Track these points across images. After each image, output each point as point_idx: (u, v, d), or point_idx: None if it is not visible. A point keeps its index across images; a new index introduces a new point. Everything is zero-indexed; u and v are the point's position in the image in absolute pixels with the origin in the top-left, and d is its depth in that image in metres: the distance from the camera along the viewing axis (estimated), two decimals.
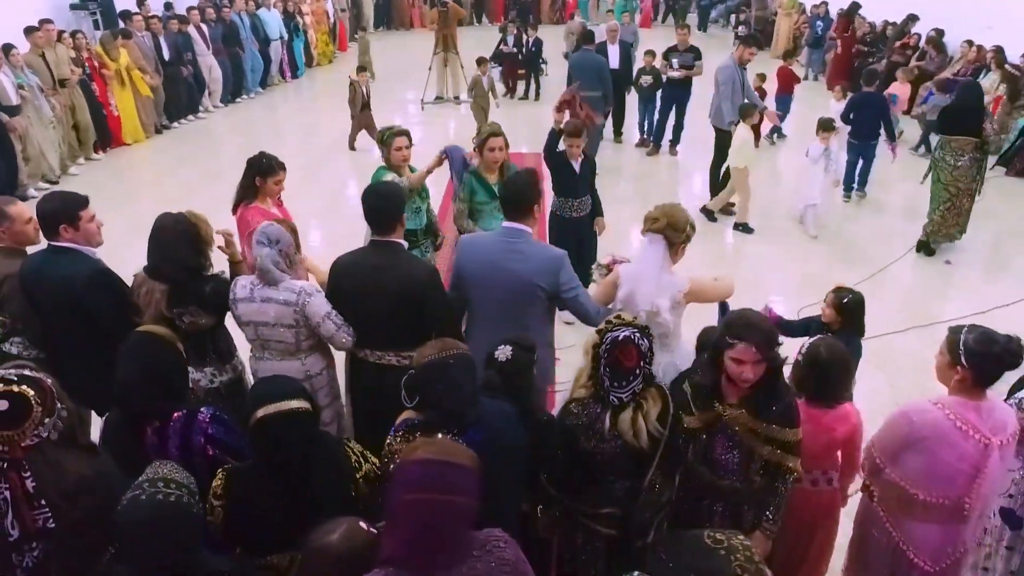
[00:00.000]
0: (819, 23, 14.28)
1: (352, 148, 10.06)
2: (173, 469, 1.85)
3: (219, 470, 2.15)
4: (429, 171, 4.58)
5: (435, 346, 2.28)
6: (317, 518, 2.04)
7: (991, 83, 9.94)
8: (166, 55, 10.66)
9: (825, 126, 6.98)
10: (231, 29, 12.23)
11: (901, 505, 2.45)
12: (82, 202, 3.04)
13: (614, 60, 9.53)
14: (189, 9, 11.84)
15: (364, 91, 9.82)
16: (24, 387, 1.87)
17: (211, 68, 11.75)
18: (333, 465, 2.15)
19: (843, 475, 2.75)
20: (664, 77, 9.46)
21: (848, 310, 3.30)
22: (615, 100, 9.74)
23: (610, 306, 3.19)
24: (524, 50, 13.03)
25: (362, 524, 1.76)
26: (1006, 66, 9.71)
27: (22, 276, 3.01)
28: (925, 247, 6.74)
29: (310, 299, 2.94)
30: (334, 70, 15.60)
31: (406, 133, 4.55)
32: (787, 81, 10.63)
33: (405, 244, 3.13)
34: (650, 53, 9.73)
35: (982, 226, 7.15)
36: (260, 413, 2.03)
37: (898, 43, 11.96)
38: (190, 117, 11.48)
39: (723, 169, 7.52)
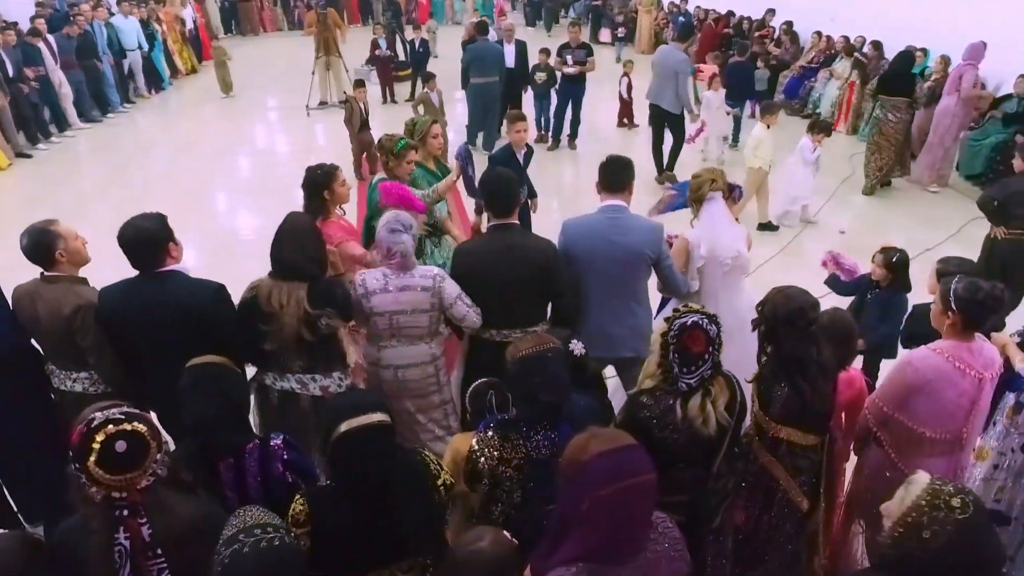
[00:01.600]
0: (680, 18, 15.18)
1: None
2: (260, 512, 1.71)
3: (297, 495, 2.01)
4: (455, 180, 4.50)
5: (531, 340, 2.28)
6: (401, 532, 1.98)
7: (843, 68, 11.04)
8: (10, 71, 9.54)
9: (820, 127, 7.21)
10: (86, 40, 11.17)
11: (912, 445, 2.69)
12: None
13: (510, 59, 9.68)
14: (34, 18, 10.72)
15: (363, 108, 8.71)
16: (136, 424, 1.71)
17: (60, 84, 10.56)
18: (413, 476, 2.08)
19: (847, 435, 2.92)
20: (559, 74, 9.71)
21: (896, 267, 3.67)
22: (513, 98, 9.95)
23: (690, 268, 3.48)
24: (411, 51, 12.89)
25: (505, 533, 1.74)
26: (856, 54, 10.79)
27: (123, 307, 2.76)
28: (872, 190, 8.17)
29: (444, 283, 3.03)
30: (198, 80, 14.73)
31: (436, 122, 4.68)
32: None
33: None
34: (544, 51, 9.93)
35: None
36: (344, 428, 1.92)
37: (758, 34, 12.97)
38: (53, 139, 10.40)
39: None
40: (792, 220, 7.51)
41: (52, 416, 3.06)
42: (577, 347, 2.59)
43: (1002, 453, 2.99)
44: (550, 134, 10.14)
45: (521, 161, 5.47)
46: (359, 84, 9.00)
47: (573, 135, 10.07)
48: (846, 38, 11.39)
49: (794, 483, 2.58)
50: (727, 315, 3.42)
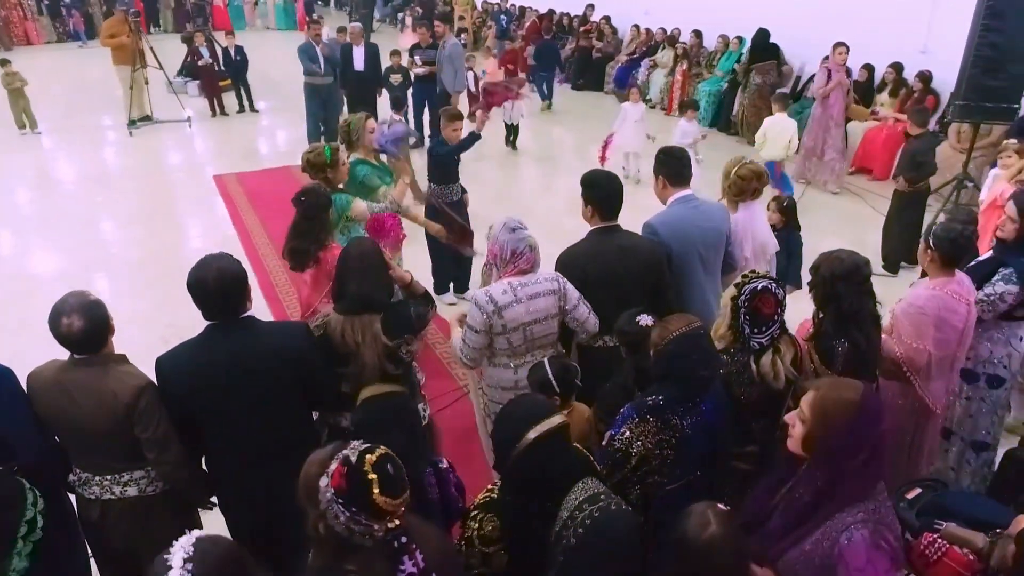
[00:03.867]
0: (503, 17, 15.60)
1: None
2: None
3: (476, 513, 1.89)
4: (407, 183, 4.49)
5: (677, 321, 2.25)
6: None
7: (667, 58, 11.98)
8: None
9: (688, 106, 8.13)
10: None
11: (929, 373, 3.03)
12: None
13: (359, 62, 9.34)
14: None
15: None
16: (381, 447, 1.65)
17: None
18: (586, 473, 1.98)
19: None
20: (412, 75, 9.56)
21: (787, 211, 4.38)
22: (367, 101, 9.63)
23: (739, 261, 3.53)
24: (226, 59, 11.91)
25: (719, 504, 1.71)
26: (677, 45, 11.76)
27: (202, 371, 2.32)
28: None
29: (566, 284, 2.90)
30: None
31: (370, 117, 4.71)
32: (516, 65, 11.55)
33: None
34: (396, 53, 9.70)
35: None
36: (532, 435, 1.83)
37: (582, 28, 13.68)
38: None
39: None
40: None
41: (73, 536, 2.49)
42: (644, 319, 2.60)
43: None
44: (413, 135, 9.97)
45: (456, 156, 5.41)
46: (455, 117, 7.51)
47: (434, 134, 9.94)
48: (663, 30, 12.40)
49: None
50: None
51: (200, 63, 11.81)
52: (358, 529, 1.55)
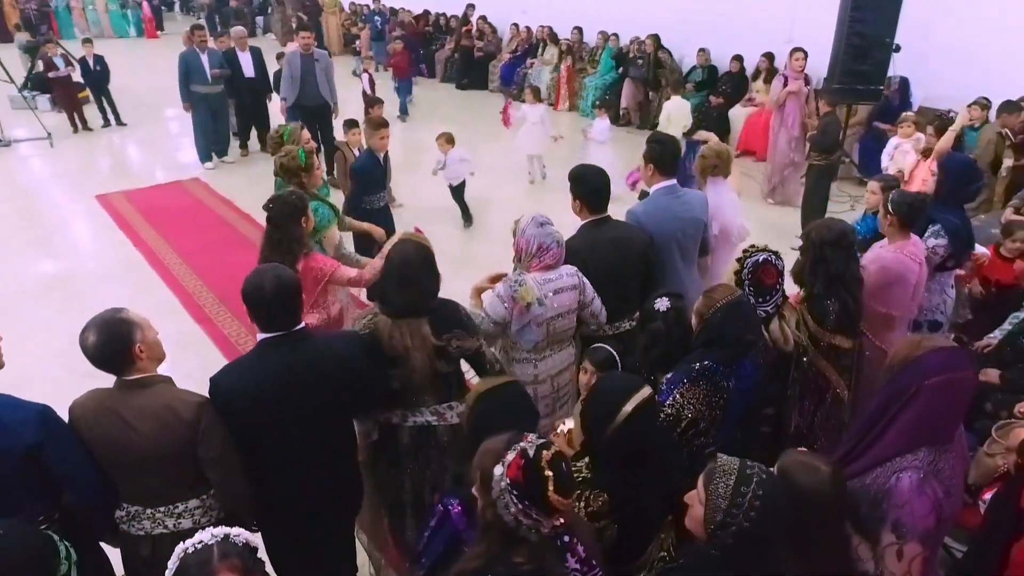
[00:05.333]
0: (377, 18, 15.34)
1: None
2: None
3: (579, 493, 1.92)
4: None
5: (720, 291, 2.40)
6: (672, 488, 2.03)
7: (550, 55, 12.33)
8: None
9: (601, 104, 8.13)
10: None
11: (883, 326, 3.38)
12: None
13: (248, 68, 8.91)
14: None
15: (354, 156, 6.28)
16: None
17: None
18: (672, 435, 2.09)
19: None
20: None
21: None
22: (258, 108, 9.22)
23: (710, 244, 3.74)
24: (86, 70, 10.89)
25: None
26: (561, 41, 12.13)
27: (263, 384, 2.23)
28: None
29: (584, 279, 2.96)
30: None
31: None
32: (403, 67, 11.43)
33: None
34: (281, 57, 9.30)
35: None
36: (630, 407, 1.89)
37: (464, 28, 13.75)
38: None
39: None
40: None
41: None
42: (662, 303, 2.74)
43: None
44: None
45: (382, 163, 5.42)
46: (351, 124, 6.42)
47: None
48: (543, 28, 12.74)
49: (842, 380, 3.08)
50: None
51: (53, 75, 10.71)
52: (526, 522, 1.56)
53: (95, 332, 2.10)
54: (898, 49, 7.00)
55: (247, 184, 8.69)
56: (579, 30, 12.09)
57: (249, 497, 2.31)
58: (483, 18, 13.98)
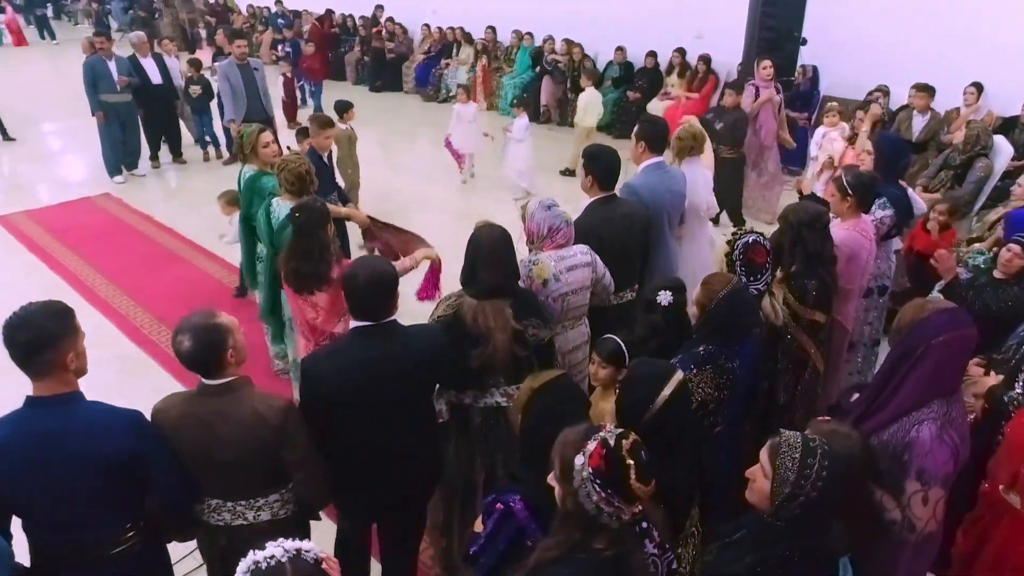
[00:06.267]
0: (280, 21, 14.86)
1: None
2: None
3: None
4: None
5: (718, 280, 2.50)
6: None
7: (466, 55, 12.35)
8: None
9: (520, 103, 8.10)
10: None
11: (844, 301, 3.61)
12: None
13: (155, 75, 8.44)
14: None
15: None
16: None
17: None
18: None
19: None
20: (215, 85, 8.83)
21: None
22: (167, 116, 8.78)
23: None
24: None
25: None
26: (477, 41, 12.16)
27: (355, 376, 2.28)
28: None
29: (595, 255, 3.06)
30: None
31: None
32: (317, 69, 11.16)
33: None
34: (193, 62, 8.87)
35: None
36: (668, 391, 1.98)
37: (374, 30, 13.52)
38: None
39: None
40: (520, 192, 8.30)
41: None
42: (664, 297, 2.83)
43: None
44: (223, 148, 9.24)
45: (327, 163, 5.28)
46: (304, 134, 5.90)
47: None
48: (454, 28, 12.74)
49: (819, 353, 3.28)
50: (694, 259, 4.14)
51: None
52: (608, 510, 1.59)
53: (190, 338, 2.07)
54: (805, 42, 7.48)
55: (164, 197, 8.27)
56: (493, 29, 12.17)
57: (328, 491, 2.36)
58: (392, 19, 13.80)
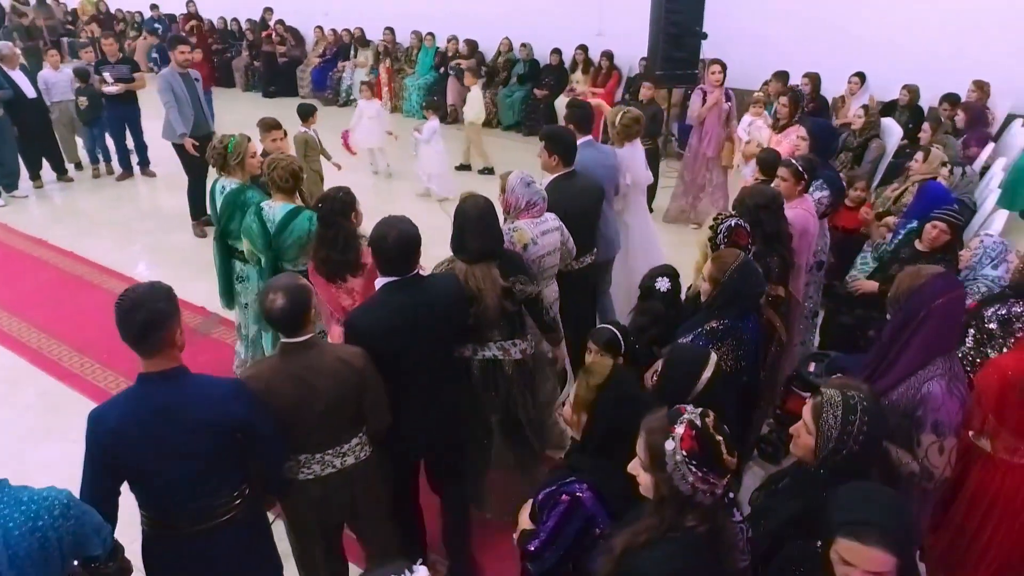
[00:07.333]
0: (156, 25, 13.96)
1: None
2: None
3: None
4: None
5: (729, 254, 2.61)
6: None
7: (365, 57, 12.11)
8: None
9: (428, 105, 7.98)
10: None
11: (796, 274, 3.86)
12: None
13: (27, 87, 7.73)
14: None
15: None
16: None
17: None
18: None
19: None
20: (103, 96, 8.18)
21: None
22: (44, 134, 8.05)
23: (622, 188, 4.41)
24: None
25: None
26: (379, 42, 11.96)
27: (397, 323, 2.52)
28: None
29: (560, 222, 3.36)
30: None
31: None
32: (205, 78, 10.52)
33: None
34: (80, 72, 8.16)
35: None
36: (708, 373, 2.12)
37: (264, 34, 12.96)
38: None
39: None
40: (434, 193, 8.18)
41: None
42: (663, 284, 2.93)
43: None
44: (115, 163, 8.58)
45: None
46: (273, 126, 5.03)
47: (144, 162, 8.68)
48: (348, 31, 12.45)
49: (783, 326, 3.49)
50: (641, 231, 4.31)
51: None
52: (703, 488, 1.62)
53: (283, 296, 2.21)
54: (706, 36, 7.85)
55: (54, 218, 7.59)
56: (391, 31, 11.98)
57: (390, 416, 2.55)
58: (282, 22, 13.27)
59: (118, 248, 6.67)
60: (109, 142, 8.55)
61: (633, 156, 4.45)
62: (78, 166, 8.76)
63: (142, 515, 2.17)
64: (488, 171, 8.58)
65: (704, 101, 6.52)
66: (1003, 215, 4.63)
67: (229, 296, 4.21)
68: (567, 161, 3.69)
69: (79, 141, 8.68)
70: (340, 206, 3.22)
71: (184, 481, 2.06)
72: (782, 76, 7.55)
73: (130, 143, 8.46)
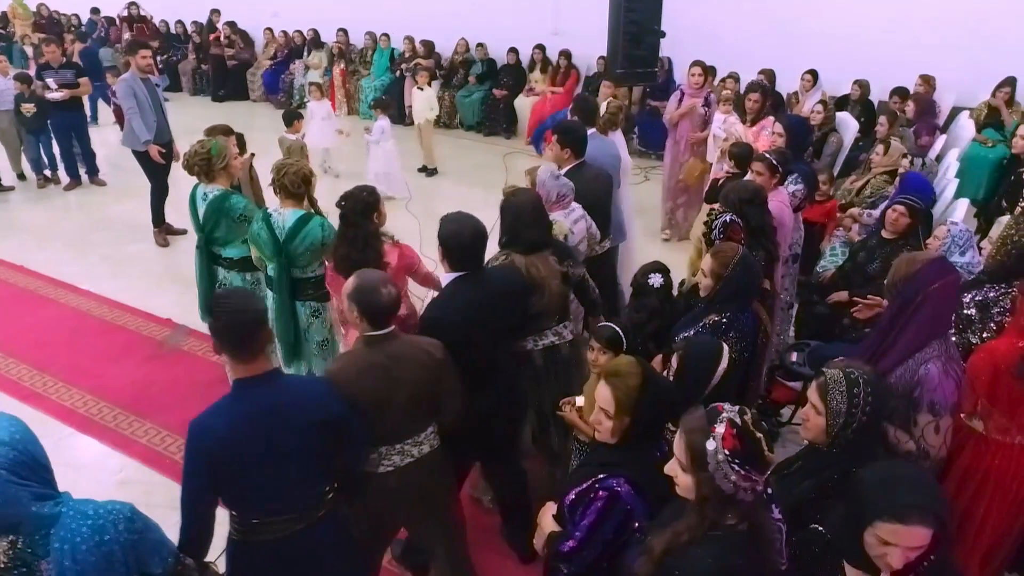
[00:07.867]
0: (83, 29, 13.46)
1: None
2: None
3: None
4: None
5: (728, 249, 2.64)
6: None
7: (318, 59, 11.90)
8: None
9: (379, 104, 7.92)
10: None
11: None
12: None
13: None
14: None
15: None
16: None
17: None
18: None
19: None
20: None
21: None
22: None
23: None
24: None
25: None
26: (333, 44, 11.76)
27: (470, 304, 2.66)
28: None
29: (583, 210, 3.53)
30: None
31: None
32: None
33: None
34: (23, 78, 7.78)
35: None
36: (724, 365, 2.17)
37: (211, 36, 12.61)
38: None
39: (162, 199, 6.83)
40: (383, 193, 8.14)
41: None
42: (656, 279, 2.95)
43: None
44: (63, 172, 8.24)
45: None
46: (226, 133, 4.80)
47: (93, 170, 8.36)
48: (301, 32, 12.22)
49: (768, 317, 3.56)
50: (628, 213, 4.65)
51: None
52: (745, 485, 1.61)
53: (389, 286, 2.32)
54: (664, 35, 7.97)
55: None
56: (345, 32, 11.80)
57: (463, 407, 2.59)
58: (231, 24, 12.92)
59: (72, 260, 6.39)
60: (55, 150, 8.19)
61: (618, 143, 4.75)
62: (20, 176, 8.37)
63: (233, 525, 2.16)
64: (432, 171, 8.63)
65: (680, 104, 6.30)
66: (964, 203, 4.82)
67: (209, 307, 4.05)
68: (579, 153, 3.87)
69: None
70: (363, 206, 3.17)
71: (288, 481, 2.08)
72: (734, 77, 7.76)
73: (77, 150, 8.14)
